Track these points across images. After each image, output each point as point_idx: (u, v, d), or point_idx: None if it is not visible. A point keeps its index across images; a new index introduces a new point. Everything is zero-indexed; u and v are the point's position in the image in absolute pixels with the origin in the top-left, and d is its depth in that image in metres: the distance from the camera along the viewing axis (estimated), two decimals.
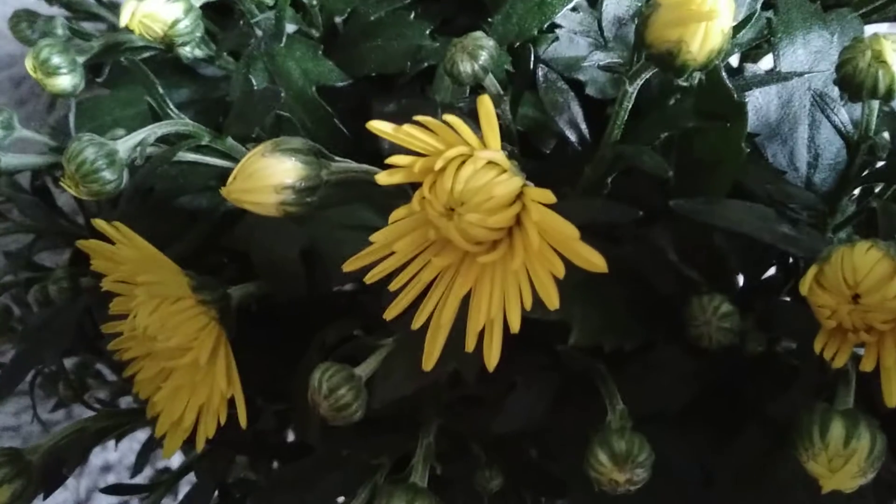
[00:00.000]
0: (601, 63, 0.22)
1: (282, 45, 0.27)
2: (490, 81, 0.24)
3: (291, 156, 0.19)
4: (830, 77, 0.25)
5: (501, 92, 0.24)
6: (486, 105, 0.17)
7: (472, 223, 0.17)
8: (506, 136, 0.25)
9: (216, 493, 0.32)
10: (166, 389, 0.25)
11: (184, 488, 0.33)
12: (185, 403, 0.25)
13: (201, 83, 0.32)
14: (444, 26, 0.29)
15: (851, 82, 0.20)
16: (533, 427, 0.23)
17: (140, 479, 0.35)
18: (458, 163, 0.18)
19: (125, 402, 0.36)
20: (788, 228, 0.22)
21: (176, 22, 0.24)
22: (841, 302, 0.18)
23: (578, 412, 0.24)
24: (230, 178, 0.19)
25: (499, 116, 0.25)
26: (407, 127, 0.17)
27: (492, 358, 0.18)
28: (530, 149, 0.29)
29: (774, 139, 0.25)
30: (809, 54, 0.26)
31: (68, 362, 0.35)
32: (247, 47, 0.29)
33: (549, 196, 0.17)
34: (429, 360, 0.19)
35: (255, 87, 0.27)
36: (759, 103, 0.25)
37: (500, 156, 0.18)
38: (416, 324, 0.19)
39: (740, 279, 0.25)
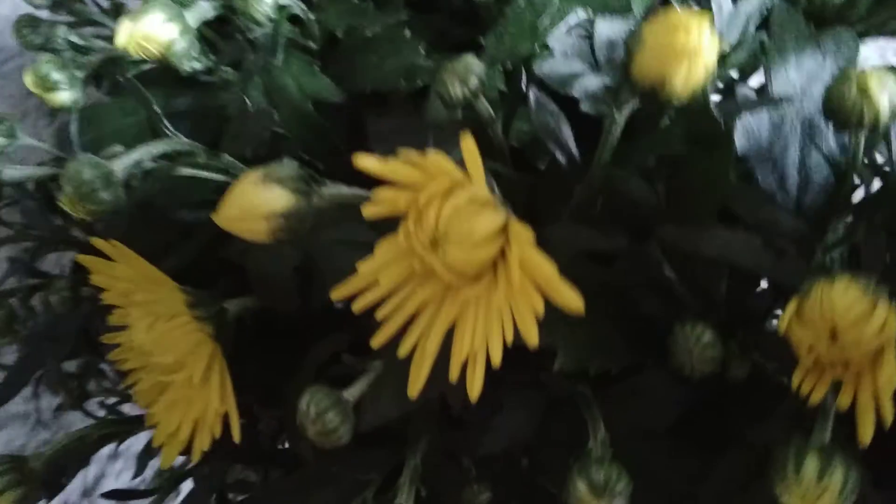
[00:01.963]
0: (589, 90, 0.22)
1: (278, 60, 0.28)
2: (481, 105, 0.24)
3: (281, 185, 0.20)
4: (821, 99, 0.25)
5: (493, 114, 0.24)
6: (468, 142, 0.17)
7: (455, 257, 0.18)
8: (497, 155, 0.26)
9: (214, 496, 0.32)
10: (162, 403, 0.26)
11: (187, 485, 0.34)
12: (180, 417, 0.25)
13: (202, 91, 0.33)
14: (441, 39, 0.29)
15: (838, 113, 0.20)
16: (520, 446, 0.23)
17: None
18: (441, 197, 0.18)
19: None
20: (774, 258, 0.22)
21: (172, 43, 0.24)
22: (819, 338, 0.18)
23: (566, 430, 0.24)
24: (220, 204, 0.20)
25: (490, 137, 0.25)
26: (392, 162, 0.18)
27: (475, 389, 0.18)
28: (525, 164, 0.29)
29: (765, 162, 0.25)
30: (802, 77, 0.26)
31: (73, 364, 0.35)
32: (245, 60, 0.29)
33: (529, 236, 0.17)
34: (414, 388, 0.19)
35: (251, 107, 0.27)
36: (751, 126, 0.25)
37: (483, 191, 0.18)
38: (402, 352, 0.19)
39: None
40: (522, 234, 0.17)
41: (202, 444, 0.25)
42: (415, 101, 0.28)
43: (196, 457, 0.25)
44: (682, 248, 0.22)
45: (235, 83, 0.28)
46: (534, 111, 0.24)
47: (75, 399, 0.30)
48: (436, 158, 0.17)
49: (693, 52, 0.17)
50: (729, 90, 0.29)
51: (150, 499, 0.32)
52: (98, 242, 0.24)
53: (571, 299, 0.16)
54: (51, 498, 0.27)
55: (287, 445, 0.35)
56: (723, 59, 0.25)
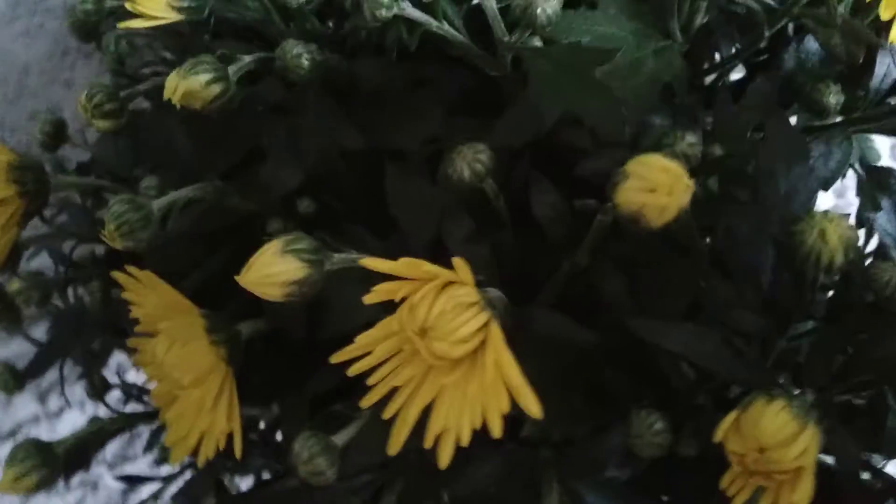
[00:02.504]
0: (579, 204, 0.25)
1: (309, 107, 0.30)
2: (487, 185, 0.26)
3: (297, 257, 0.22)
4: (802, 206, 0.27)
5: (498, 191, 0.27)
6: (459, 264, 0.19)
7: (439, 349, 0.20)
8: (500, 222, 0.28)
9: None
10: (174, 410, 0.29)
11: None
12: (189, 426, 0.28)
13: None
14: (466, 99, 0.31)
15: (797, 252, 0.22)
16: (489, 492, 0.26)
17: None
18: (435, 293, 0.20)
19: None
20: (731, 358, 0.24)
21: (215, 99, 0.26)
22: (749, 450, 0.21)
23: (529, 485, 0.27)
24: (245, 268, 0.23)
25: (496, 208, 0.28)
26: (395, 263, 0.20)
27: (444, 461, 0.21)
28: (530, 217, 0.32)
29: (742, 259, 0.27)
30: (788, 183, 0.28)
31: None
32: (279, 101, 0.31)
33: (503, 349, 0.20)
34: (393, 447, 0.22)
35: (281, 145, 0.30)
36: (732, 226, 0.27)
37: (471, 295, 0.21)
38: (386, 415, 0.22)
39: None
40: (498, 338, 0.20)
41: (207, 452, 0.28)
42: (432, 160, 0.30)
43: (201, 462, 0.28)
44: (647, 340, 0.24)
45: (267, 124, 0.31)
46: (533, 195, 0.26)
47: (97, 390, 0.33)
48: (432, 266, 0.20)
49: (668, 200, 0.20)
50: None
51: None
52: (130, 272, 0.27)
53: (532, 406, 0.19)
54: (68, 478, 0.31)
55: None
56: (719, 161, 0.27)
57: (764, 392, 0.21)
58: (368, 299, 0.21)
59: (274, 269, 0.22)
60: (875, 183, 0.33)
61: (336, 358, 0.22)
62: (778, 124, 0.28)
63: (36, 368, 0.36)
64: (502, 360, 0.20)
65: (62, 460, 0.30)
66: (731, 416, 0.21)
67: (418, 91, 0.31)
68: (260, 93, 0.31)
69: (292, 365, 0.32)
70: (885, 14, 0.28)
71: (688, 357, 0.24)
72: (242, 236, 0.33)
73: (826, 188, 0.30)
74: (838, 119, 0.32)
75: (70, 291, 0.37)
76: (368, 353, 0.22)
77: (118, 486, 0.67)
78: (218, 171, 0.30)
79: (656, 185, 0.20)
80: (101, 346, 0.37)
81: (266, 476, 0.37)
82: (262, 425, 0.37)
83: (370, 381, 0.22)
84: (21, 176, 0.30)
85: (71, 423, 0.58)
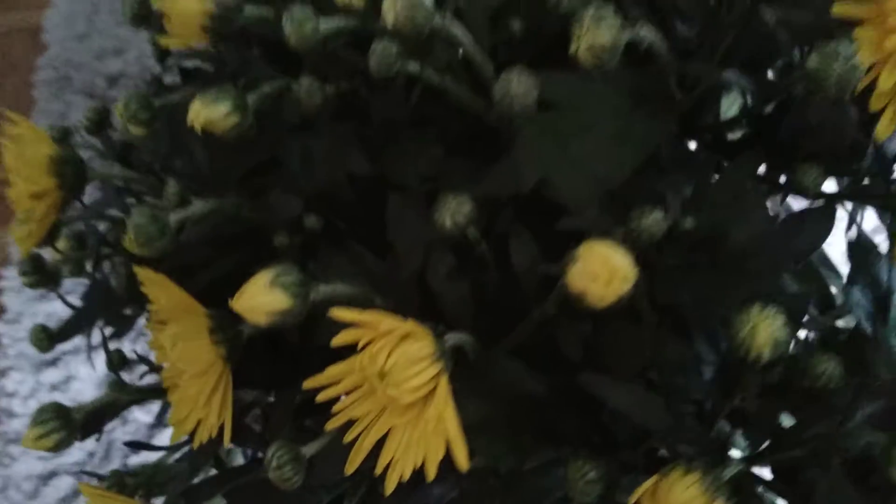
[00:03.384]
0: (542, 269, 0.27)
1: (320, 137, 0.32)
2: (470, 232, 0.29)
3: (284, 290, 0.25)
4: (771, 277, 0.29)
5: (480, 238, 0.29)
6: (412, 328, 0.22)
7: (392, 393, 0.23)
8: (481, 265, 0.31)
9: None
10: (176, 396, 0.32)
11: None
12: (188, 411, 0.32)
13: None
14: (465, 141, 0.33)
15: (732, 342, 0.24)
16: None
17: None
18: (394, 343, 0.23)
19: None
20: (671, 422, 0.27)
21: (233, 127, 0.29)
22: None
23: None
24: (238, 294, 0.26)
25: (479, 252, 0.30)
26: (360, 315, 0.23)
27: (388, 488, 0.24)
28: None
29: (703, 327, 0.29)
30: (759, 262, 0.29)
31: None
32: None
33: (446, 404, 0.22)
34: (350, 468, 0.25)
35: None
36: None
37: (426, 348, 0.23)
38: (346, 439, 0.25)
39: None
40: (443, 393, 0.22)
41: (202, 437, 0.32)
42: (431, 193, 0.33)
43: (195, 445, 0.32)
44: (595, 395, 0.27)
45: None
46: (512, 249, 0.29)
47: (115, 364, 0.37)
48: (391, 322, 0.22)
49: (607, 284, 0.22)
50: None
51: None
52: (141, 272, 0.30)
53: (462, 461, 0.22)
54: (83, 439, 0.35)
55: None
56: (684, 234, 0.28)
57: (683, 462, 0.24)
58: (336, 342, 0.24)
59: (261, 300, 0.25)
60: (855, 256, 0.34)
61: (308, 384, 0.25)
62: (753, 201, 0.29)
63: (67, 332, 0.40)
64: (444, 415, 0.22)
65: (79, 425, 0.34)
66: (652, 480, 0.24)
67: (423, 128, 0.33)
68: (278, 112, 0.34)
69: (288, 364, 0.36)
70: (875, 104, 0.28)
71: (632, 415, 0.26)
72: (253, 240, 0.37)
73: (799, 262, 0.31)
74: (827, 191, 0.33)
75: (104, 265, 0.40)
76: (336, 382, 0.25)
77: (147, 419, 0.73)
78: (233, 184, 0.33)
79: (596, 276, 0.22)
80: (125, 318, 0.41)
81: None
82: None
83: (334, 408, 0.25)
84: (61, 169, 0.33)
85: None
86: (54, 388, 0.85)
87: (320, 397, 0.25)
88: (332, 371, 0.25)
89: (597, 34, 0.22)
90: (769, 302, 0.25)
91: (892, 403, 0.26)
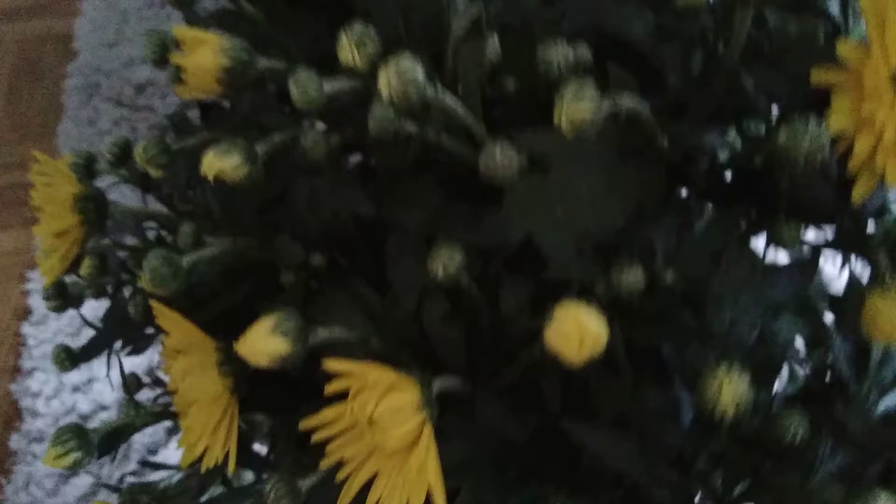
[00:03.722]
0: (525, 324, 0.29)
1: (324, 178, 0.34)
2: (462, 278, 0.30)
3: (284, 336, 0.27)
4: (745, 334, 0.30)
5: (471, 284, 0.31)
6: (399, 379, 0.24)
7: (379, 438, 0.25)
8: (471, 307, 0.32)
9: None
10: (185, 422, 0.34)
11: None
12: (196, 438, 0.34)
13: None
14: (463, 187, 0.35)
15: (700, 397, 0.25)
16: None
17: None
18: (382, 392, 0.25)
19: None
20: (644, 466, 0.28)
21: (244, 177, 0.31)
22: None
23: None
24: (242, 338, 0.28)
25: (471, 297, 0.32)
26: (350, 366, 0.25)
27: None
28: None
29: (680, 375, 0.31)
30: (735, 312, 0.31)
31: None
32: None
33: (428, 452, 0.24)
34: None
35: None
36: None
37: (411, 398, 0.25)
38: (338, 478, 0.27)
39: None
40: (426, 442, 0.24)
41: (209, 463, 0.34)
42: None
43: (203, 470, 0.34)
44: (572, 438, 0.28)
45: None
46: (502, 296, 0.30)
47: (131, 389, 0.39)
48: (379, 374, 0.24)
49: (579, 346, 0.23)
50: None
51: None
52: (157, 307, 0.32)
53: None
54: (100, 458, 0.37)
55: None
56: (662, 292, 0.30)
57: None
58: (328, 390, 0.26)
59: (262, 346, 0.27)
60: (840, 305, 0.35)
61: (304, 425, 0.27)
62: (735, 255, 0.31)
63: (88, 353, 0.43)
64: (426, 464, 0.24)
65: (96, 445, 0.36)
66: None
67: (423, 174, 0.34)
68: (286, 154, 0.36)
69: (292, 391, 0.38)
70: (852, 168, 0.30)
71: (608, 460, 0.28)
72: (261, 274, 0.39)
73: (778, 313, 0.32)
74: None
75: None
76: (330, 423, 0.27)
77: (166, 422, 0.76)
78: (244, 225, 0.35)
79: (569, 338, 0.23)
80: (145, 337, 0.44)
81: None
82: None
83: (328, 448, 0.27)
84: (84, 206, 0.35)
85: None
86: (76, 389, 0.88)
87: (315, 438, 0.27)
88: (327, 413, 0.27)
89: (576, 109, 0.24)
90: (744, 356, 0.26)
91: (859, 458, 0.28)
